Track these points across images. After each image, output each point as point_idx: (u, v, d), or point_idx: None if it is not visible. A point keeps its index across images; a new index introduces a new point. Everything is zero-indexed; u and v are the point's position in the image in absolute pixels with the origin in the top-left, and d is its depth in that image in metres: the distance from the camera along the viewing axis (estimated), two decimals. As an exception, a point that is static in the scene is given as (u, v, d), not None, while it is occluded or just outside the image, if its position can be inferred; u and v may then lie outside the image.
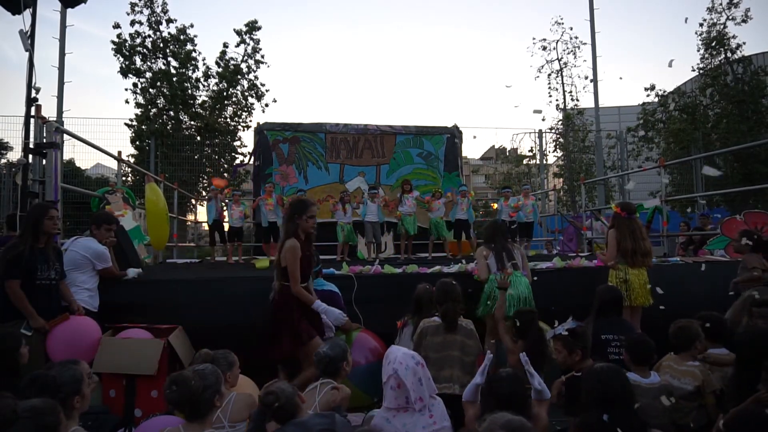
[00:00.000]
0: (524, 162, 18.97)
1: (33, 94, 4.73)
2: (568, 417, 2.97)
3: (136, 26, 14.70)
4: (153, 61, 14.92)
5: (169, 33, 15.01)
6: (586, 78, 17.24)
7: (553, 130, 17.65)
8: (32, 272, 3.59)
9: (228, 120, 15.72)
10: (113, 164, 9.15)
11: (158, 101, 14.97)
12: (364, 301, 4.58)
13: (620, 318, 3.92)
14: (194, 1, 68.21)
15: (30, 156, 4.78)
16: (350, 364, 3.09)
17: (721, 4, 15.26)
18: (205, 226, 8.92)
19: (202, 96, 15.53)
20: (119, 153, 7.44)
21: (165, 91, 14.81)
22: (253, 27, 15.65)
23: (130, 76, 14.68)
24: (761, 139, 11.46)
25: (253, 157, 10.77)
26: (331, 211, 8.18)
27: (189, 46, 15.19)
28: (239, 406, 2.66)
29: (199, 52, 15.43)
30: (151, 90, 14.86)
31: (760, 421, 2.13)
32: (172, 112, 15.07)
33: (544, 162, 16.58)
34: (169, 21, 14.99)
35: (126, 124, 14.62)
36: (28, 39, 4.64)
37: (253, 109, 16.04)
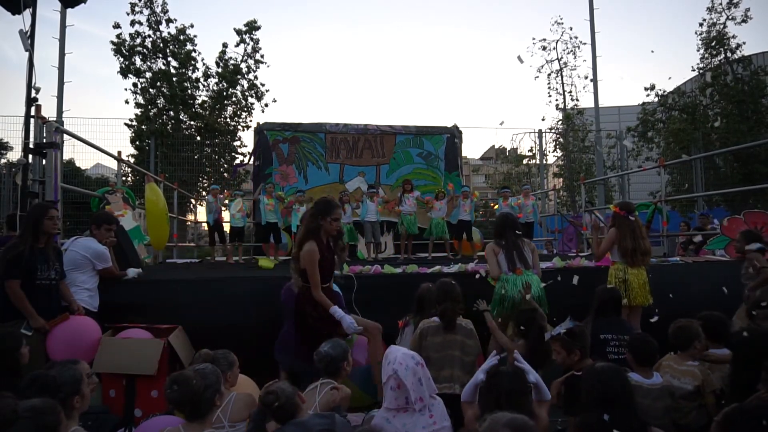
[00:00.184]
0: (524, 162, 18.96)
1: (33, 94, 4.73)
2: (567, 417, 2.97)
3: (136, 26, 14.74)
4: (153, 61, 14.93)
5: (169, 33, 15.02)
6: (586, 78, 17.26)
7: (553, 130, 17.65)
8: (32, 272, 3.59)
9: (228, 120, 15.72)
10: (113, 164, 9.16)
11: (158, 101, 14.98)
12: (364, 301, 4.58)
13: (619, 318, 3.93)
14: (194, 1, 68.23)
15: (30, 156, 4.79)
16: (351, 364, 3.09)
17: (721, 4, 15.29)
18: (205, 226, 8.92)
19: (202, 96, 15.56)
20: (119, 153, 7.44)
21: (165, 91, 14.82)
22: (252, 27, 15.65)
23: (130, 76, 14.69)
24: (761, 139, 11.46)
25: (253, 157, 10.77)
26: None
27: (189, 46, 15.19)
28: (239, 406, 2.66)
29: (199, 52, 15.48)
30: (151, 90, 14.87)
31: (759, 416, 2.13)
32: (172, 112, 15.08)
33: (544, 162, 16.58)
34: (169, 21, 15.01)
35: (126, 124, 14.64)
36: (28, 39, 4.64)
37: (253, 109, 16.08)
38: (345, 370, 3.00)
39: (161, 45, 14.89)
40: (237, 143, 15.93)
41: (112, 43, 14.57)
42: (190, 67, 15.25)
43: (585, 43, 16.81)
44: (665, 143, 16.02)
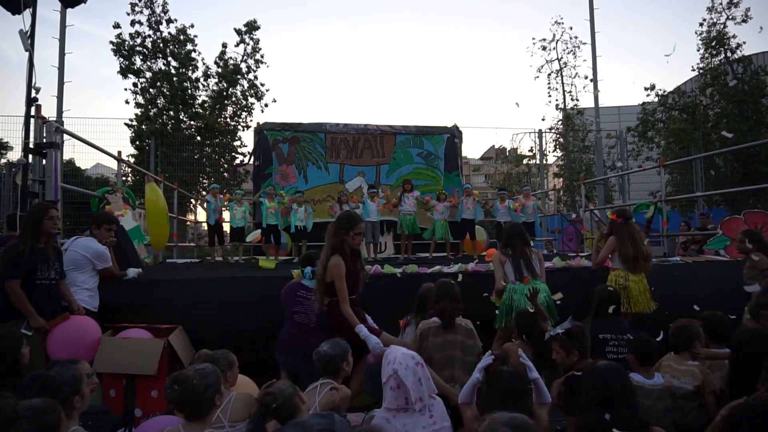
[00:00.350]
0: (524, 162, 18.97)
1: (33, 94, 4.73)
2: (567, 416, 2.97)
3: (137, 26, 14.74)
4: (153, 61, 14.93)
5: (169, 33, 15.02)
6: (586, 78, 17.27)
7: (553, 130, 17.65)
8: (32, 272, 3.59)
9: (228, 120, 15.72)
10: (113, 164, 9.16)
11: (158, 101, 14.98)
12: (364, 301, 4.57)
13: (618, 318, 3.93)
14: (194, 1, 68.19)
15: (30, 156, 4.79)
16: (350, 364, 3.08)
17: (721, 4, 15.27)
18: (205, 226, 8.93)
19: (202, 96, 15.56)
20: (119, 153, 7.45)
21: (165, 91, 14.82)
22: (252, 27, 15.65)
23: (130, 76, 14.69)
24: (761, 139, 11.45)
25: (253, 157, 10.77)
26: (330, 213, 8.19)
27: (189, 46, 15.19)
28: (239, 406, 2.66)
29: (199, 52, 15.48)
30: (151, 90, 14.87)
31: (760, 414, 2.14)
32: (172, 112, 15.07)
33: (544, 162, 16.59)
34: (169, 21, 15.01)
35: (126, 124, 14.64)
36: (28, 39, 4.64)
37: (253, 109, 16.08)
38: (344, 370, 2.99)
39: (161, 45, 14.89)
40: (237, 143, 15.95)
41: (112, 43, 14.58)
42: (190, 67, 15.25)
43: (585, 43, 16.85)
44: (665, 143, 16.02)
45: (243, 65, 15.68)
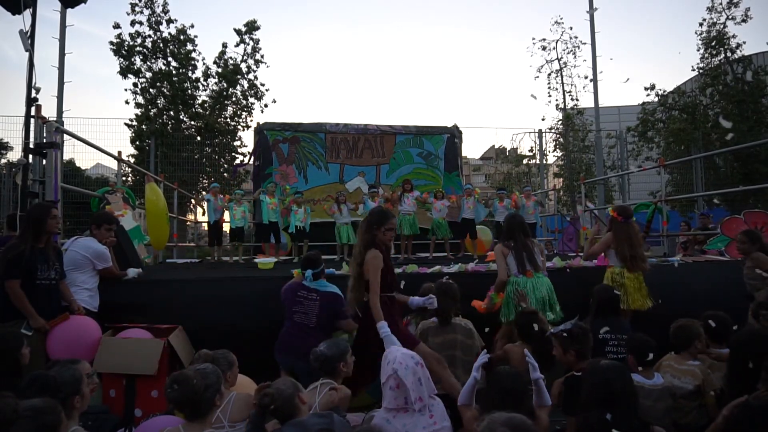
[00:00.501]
0: (524, 162, 18.96)
1: (33, 94, 4.73)
2: (567, 417, 2.97)
3: (137, 26, 14.74)
4: (153, 61, 14.93)
5: (169, 33, 15.02)
6: (586, 78, 17.25)
7: (553, 130, 17.65)
8: (32, 272, 3.59)
9: (228, 120, 15.72)
10: (113, 164, 9.17)
11: (158, 101, 14.98)
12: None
13: (618, 317, 3.92)
14: (194, 1, 68.19)
15: (30, 156, 4.79)
16: (349, 365, 3.07)
17: (721, 4, 15.27)
18: (205, 226, 8.93)
19: (202, 96, 15.56)
20: (119, 153, 7.45)
21: (165, 91, 14.82)
22: (252, 27, 15.66)
23: (130, 76, 14.69)
24: (761, 139, 11.45)
25: (253, 157, 10.78)
26: (328, 213, 8.20)
27: (189, 46, 15.19)
28: (239, 406, 2.66)
29: (199, 52, 15.48)
30: (151, 90, 14.87)
31: (761, 414, 2.14)
32: (172, 112, 15.07)
33: (544, 162, 16.58)
34: (170, 21, 15.00)
35: (126, 124, 14.64)
36: (28, 39, 4.64)
37: (253, 109, 16.08)
38: (341, 370, 2.99)
39: (161, 45, 14.89)
40: (237, 143, 15.94)
41: (112, 43, 14.57)
42: (190, 67, 15.25)
43: (585, 43, 16.83)
44: (665, 143, 16.02)
45: (243, 65, 15.68)
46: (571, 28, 18.36)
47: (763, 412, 2.14)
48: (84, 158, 19.50)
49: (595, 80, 13.91)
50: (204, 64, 15.53)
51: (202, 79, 15.50)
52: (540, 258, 4.25)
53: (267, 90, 16.08)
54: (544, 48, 18.23)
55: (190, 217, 14.08)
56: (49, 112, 5.96)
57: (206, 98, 15.52)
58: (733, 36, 15.22)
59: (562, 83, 17.99)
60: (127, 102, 15.08)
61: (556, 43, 17.92)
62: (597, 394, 2.35)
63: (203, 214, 8.06)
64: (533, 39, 19.29)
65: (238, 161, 15.42)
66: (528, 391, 2.52)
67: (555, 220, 12.82)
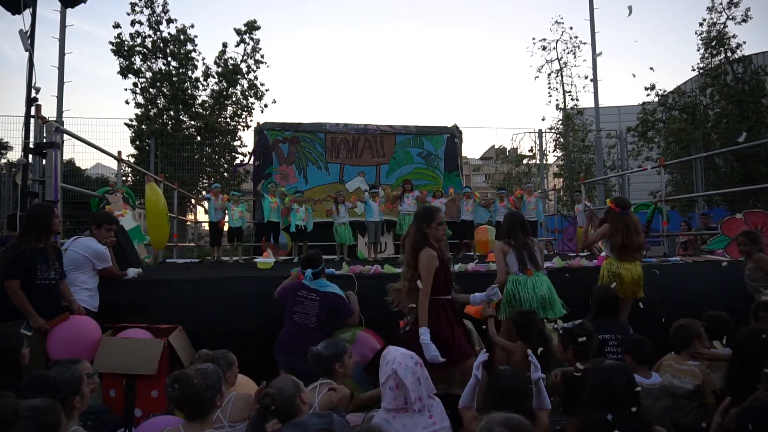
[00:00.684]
0: (524, 162, 18.99)
1: (33, 94, 4.73)
2: (567, 417, 2.97)
3: (137, 26, 14.74)
4: (153, 61, 14.93)
5: (169, 33, 15.02)
6: (586, 78, 17.27)
7: (553, 130, 17.66)
8: (32, 272, 3.59)
9: (228, 120, 15.72)
10: (113, 164, 9.17)
11: (158, 101, 14.98)
12: (364, 301, 4.57)
13: (618, 318, 3.92)
14: (194, 1, 68.17)
15: (30, 156, 4.79)
16: (346, 365, 3.06)
17: (721, 4, 15.27)
18: (205, 226, 8.94)
19: (202, 96, 15.56)
20: (119, 153, 7.45)
21: (165, 91, 14.82)
22: (252, 27, 15.66)
23: (130, 76, 14.69)
24: (761, 139, 11.45)
25: (253, 157, 10.78)
26: (327, 214, 8.21)
27: (189, 46, 15.19)
28: (239, 406, 2.66)
29: (199, 52, 15.48)
30: (151, 90, 14.87)
31: (763, 413, 2.13)
32: (172, 112, 15.07)
33: (544, 162, 16.59)
34: (170, 21, 15.00)
35: (126, 124, 14.63)
36: (28, 39, 4.64)
37: (253, 109, 16.08)
38: (338, 371, 2.98)
39: (161, 45, 14.89)
40: (237, 143, 15.94)
41: (112, 43, 14.57)
42: (190, 67, 15.25)
43: (585, 43, 16.84)
44: (665, 143, 16.02)
45: (243, 65, 15.68)
46: (571, 28, 18.39)
47: (763, 413, 2.14)
48: (84, 158, 19.51)
49: (595, 80, 13.92)
50: (204, 64, 15.56)
51: (202, 79, 15.51)
52: (540, 256, 4.23)
53: (267, 90, 16.11)
54: (544, 48, 18.29)
55: (190, 217, 14.08)
56: (49, 112, 5.97)
57: (206, 98, 15.52)
58: (733, 36, 15.24)
59: (562, 83, 18.05)
60: (127, 102, 15.11)
61: (556, 43, 17.98)
62: (599, 394, 2.35)
63: (206, 212, 8.05)
64: (533, 39, 19.34)
65: (238, 161, 15.42)
66: (528, 392, 2.52)
67: (555, 220, 12.83)
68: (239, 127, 15.92)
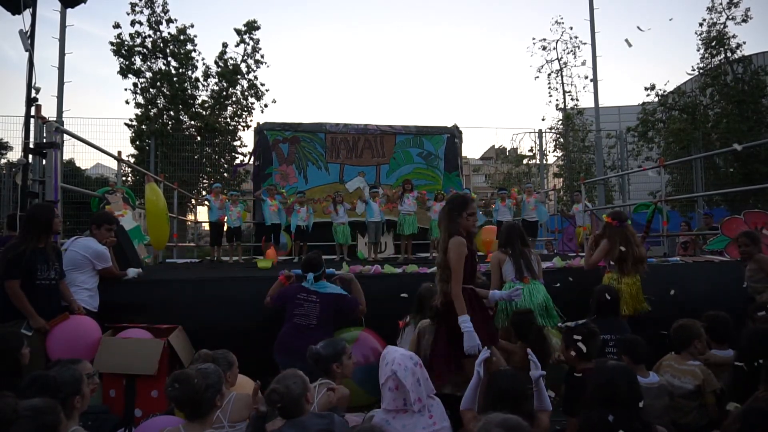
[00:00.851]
0: (524, 162, 18.99)
1: (33, 94, 4.72)
2: (567, 417, 2.97)
3: (137, 26, 14.74)
4: (153, 61, 14.93)
5: (169, 33, 15.03)
6: (586, 78, 17.27)
7: (553, 130, 17.66)
8: (32, 272, 3.59)
9: (228, 120, 15.73)
10: (113, 164, 9.16)
11: (158, 101, 14.98)
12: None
13: (617, 318, 3.92)
14: (194, 1, 68.16)
15: (30, 156, 4.78)
16: (345, 366, 3.06)
17: (721, 4, 15.27)
18: (206, 226, 8.94)
19: (202, 96, 15.57)
20: (119, 153, 7.44)
21: (165, 91, 14.82)
22: (252, 27, 15.66)
23: (130, 76, 14.69)
24: (761, 139, 11.45)
25: (253, 157, 10.77)
26: (325, 213, 8.21)
27: (189, 46, 15.20)
28: (239, 406, 2.66)
29: (199, 52, 15.49)
30: (151, 90, 14.87)
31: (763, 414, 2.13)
32: (172, 112, 15.08)
33: (544, 162, 16.59)
34: (170, 21, 15.01)
35: (126, 124, 14.64)
36: (28, 39, 4.64)
37: (253, 109, 16.08)
38: (335, 371, 2.98)
39: (161, 45, 14.89)
40: (237, 143, 15.95)
41: (112, 43, 14.58)
42: (190, 67, 15.25)
43: (585, 43, 16.84)
44: (665, 143, 16.02)
45: (243, 65, 15.69)
46: (571, 28, 18.40)
47: (763, 414, 2.14)
48: (84, 158, 19.50)
49: (595, 80, 13.91)
50: (204, 64, 15.57)
51: (202, 79, 15.51)
52: (537, 266, 4.28)
53: (267, 90, 16.13)
54: (544, 48, 18.30)
55: (190, 217, 14.08)
56: (49, 112, 5.96)
57: (206, 98, 15.53)
58: (733, 36, 15.24)
59: (562, 83, 18.05)
60: (127, 102, 15.12)
61: (556, 43, 17.98)
62: (601, 395, 2.35)
63: (209, 210, 8.07)
64: (533, 39, 19.37)
65: (238, 161, 15.43)
66: (528, 392, 2.51)
67: (555, 220, 12.82)
68: (239, 127, 15.95)
